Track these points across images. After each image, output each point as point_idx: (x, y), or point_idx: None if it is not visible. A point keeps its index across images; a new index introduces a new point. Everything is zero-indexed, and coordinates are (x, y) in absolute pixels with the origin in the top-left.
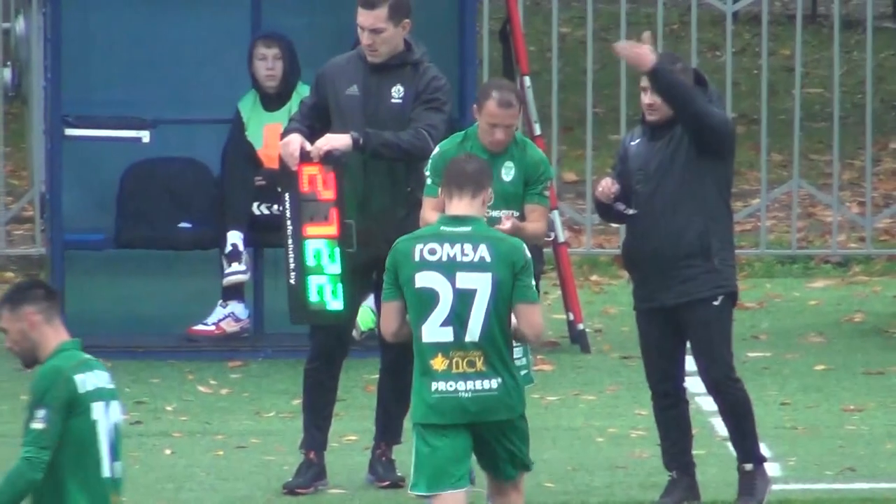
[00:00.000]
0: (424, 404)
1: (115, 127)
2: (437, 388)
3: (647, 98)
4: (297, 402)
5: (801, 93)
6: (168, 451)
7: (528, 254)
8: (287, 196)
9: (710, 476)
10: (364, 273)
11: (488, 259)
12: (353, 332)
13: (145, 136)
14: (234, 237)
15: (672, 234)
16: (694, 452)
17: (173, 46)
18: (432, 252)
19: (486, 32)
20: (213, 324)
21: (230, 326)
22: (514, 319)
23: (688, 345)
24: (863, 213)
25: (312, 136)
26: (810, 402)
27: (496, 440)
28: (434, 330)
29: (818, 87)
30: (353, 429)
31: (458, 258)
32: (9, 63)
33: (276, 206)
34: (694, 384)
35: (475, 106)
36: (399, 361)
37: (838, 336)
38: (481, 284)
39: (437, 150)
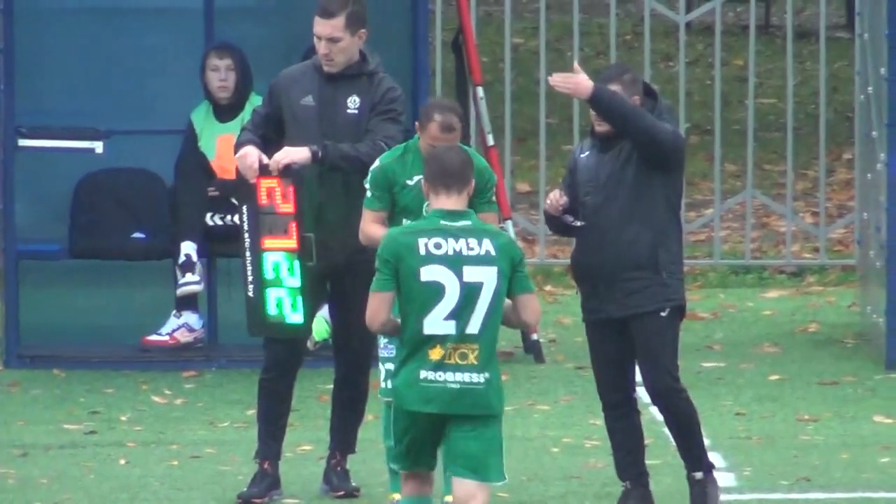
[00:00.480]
0: (409, 390)
1: (68, 137)
2: (425, 377)
3: None
4: (252, 412)
5: (754, 103)
6: (122, 461)
7: None
8: (244, 208)
9: (664, 486)
10: (319, 283)
11: (493, 252)
12: (308, 343)
13: (98, 146)
14: (188, 248)
15: (620, 246)
16: (648, 462)
17: (126, 57)
18: (438, 246)
19: (438, 43)
20: (167, 334)
21: (184, 337)
22: (508, 308)
23: None
24: (817, 224)
25: (266, 146)
26: (765, 412)
27: (465, 437)
28: (437, 323)
29: (772, 97)
30: (307, 438)
31: (465, 252)
32: None
33: (229, 217)
34: (646, 394)
35: (417, 124)
36: (353, 371)
37: (793, 346)
38: (487, 278)
39: (377, 163)
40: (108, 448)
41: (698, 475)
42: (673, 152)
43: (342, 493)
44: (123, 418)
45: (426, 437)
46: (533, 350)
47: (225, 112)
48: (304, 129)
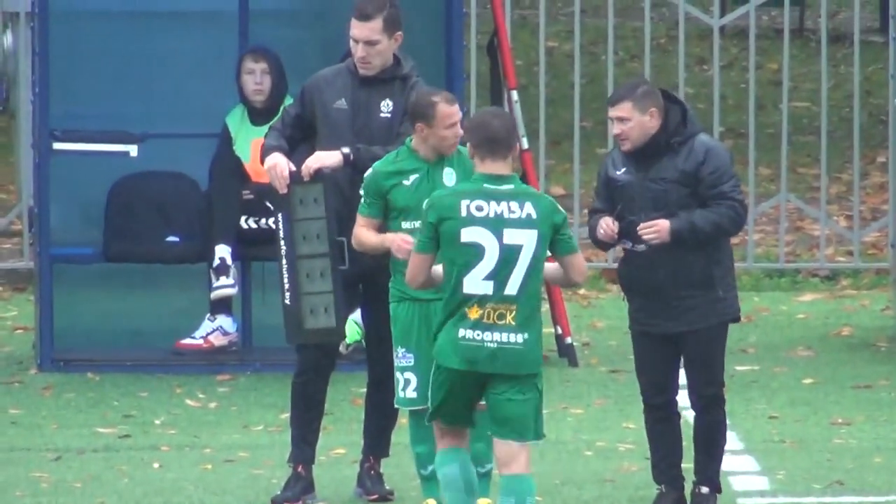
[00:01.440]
0: (449, 347)
1: (102, 141)
2: (464, 336)
3: (615, 129)
4: (286, 415)
5: (788, 107)
6: (156, 465)
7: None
8: (279, 216)
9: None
10: (351, 286)
11: (534, 216)
12: (340, 346)
13: (133, 150)
14: (222, 251)
15: (673, 267)
16: (683, 466)
17: (161, 60)
18: (479, 209)
19: (473, 46)
20: (202, 337)
21: (218, 340)
22: (556, 271)
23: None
24: (850, 227)
25: (292, 147)
26: (798, 415)
27: (505, 398)
28: (476, 283)
29: (806, 100)
30: (341, 442)
31: (506, 215)
32: None
33: (263, 221)
34: (682, 398)
35: (420, 124)
36: (387, 375)
37: (826, 350)
38: (527, 240)
39: (370, 170)
40: (142, 452)
41: (705, 489)
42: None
43: (376, 496)
44: (157, 422)
45: (463, 394)
46: (567, 353)
47: (260, 115)
48: (336, 133)
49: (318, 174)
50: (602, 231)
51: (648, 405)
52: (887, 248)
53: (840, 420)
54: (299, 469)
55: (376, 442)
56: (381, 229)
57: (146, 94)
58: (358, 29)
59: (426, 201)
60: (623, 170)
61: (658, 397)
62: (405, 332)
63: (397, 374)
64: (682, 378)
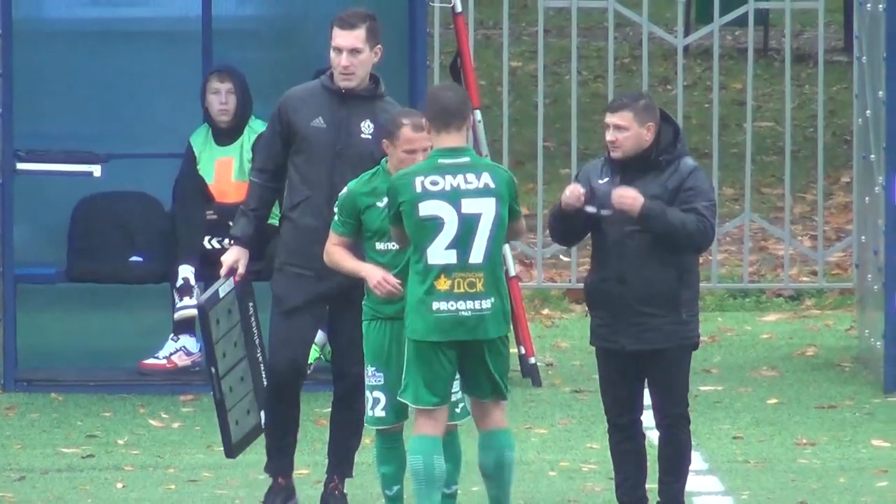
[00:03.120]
0: (424, 323)
1: (66, 161)
2: (438, 308)
3: (609, 135)
4: None
5: (752, 126)
6: (120, 485)
7: None
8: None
9: None
10: (319, 306)
11: (492, 185)
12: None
13: (97, 170)
14: (186, 271)
15: (642, 282)
16: (647, 487)
17: (125, 80)
18: (434, 183)
19: (436, 66)
20: (165, 357)
21: (182, 360)
22: None
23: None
24: (815, 247)
25: (279, 182)
26: (763, 435)
27: (480, 361)
28: (439, 253)
29: (770, 120)
30: (304, 462)
31: (463, 186)
32: None
33: (227, 241)
34: (647, 418)
35: (385, 141)
36: (352, 391)
37: (791, 370)
38: (486, 208)
39: (345, 189)
40: (106, 472)
41: None
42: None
43: None
44: (121, 442)
45: (441, 368)
46: (531, 373)
47: (224, 135)
48: (316, 154)
49: (230, 276)
50: (567, 194)
51: (613, 424)
52: (851, 269)
53: (804, 440)
54: (280, 480)
55: (341, 461)
56: (354, 248)
57: (110, 114)
58: (342, 38)
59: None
60: (606, 179)
61: (622, 417)
62: (377, 351)
63: (367, 393)
64: (648, 398)
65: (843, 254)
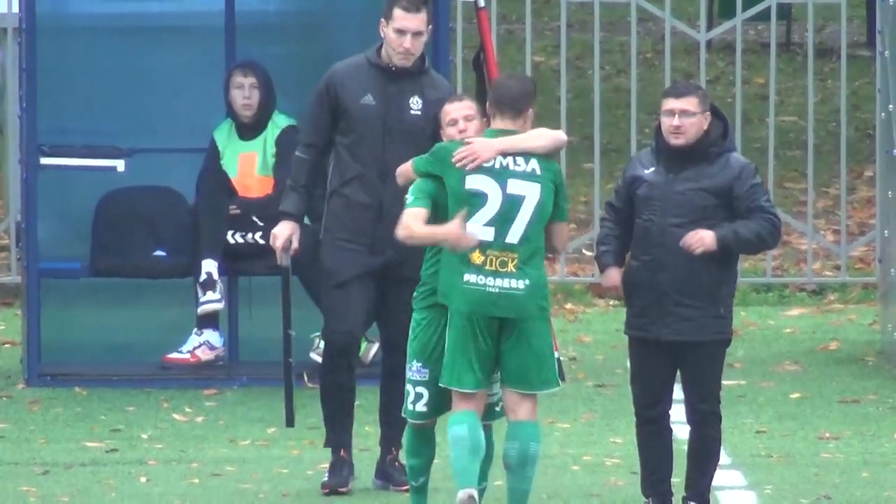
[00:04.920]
0: (454, 291)
1: (90, 156)
2: (468, 280)
3: (674, 121)
4: (273, 430)
5: (775, 121)
6: (143, 479)
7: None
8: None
9: None
10: (370, 279)
11: (538, 172)
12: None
13: (120, 165)
14: (209, 266)
15: (685, 273)
16: (672, 481)
17: (149, 75)
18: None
19: (459, 61)
20: (188, 352)
21: (205, 354)
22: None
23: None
24: (838, 242)
25: (326, 157)
26: (786, 430)
27: (513, 346)
28: (477, 228)
29: (792, 115)
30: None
31: (511, 167)
32: None
33: (250, 235)
34: (676, 412)
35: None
36: (402, 365)
37: (814, 364)
38: (531, 192)
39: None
40: (129, 466)
41: None
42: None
43: (405, 486)
44: (144, 436)
45: (476, 348)
46: None
47: (247, 130)
48: (367, 130)
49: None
50: (609, 284)
51: (641, 417)
52: (874, 263)
53: (827, 434)
54: (342, 453)
55: (397, 432)
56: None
57: (133, 109)
58: (408, 20)
59: (433, 149)
60: (652, 169)
61: (651, 409)
62: (423, 346)
63: (408, 387)
64: (678, 393)
65: (866, 248)
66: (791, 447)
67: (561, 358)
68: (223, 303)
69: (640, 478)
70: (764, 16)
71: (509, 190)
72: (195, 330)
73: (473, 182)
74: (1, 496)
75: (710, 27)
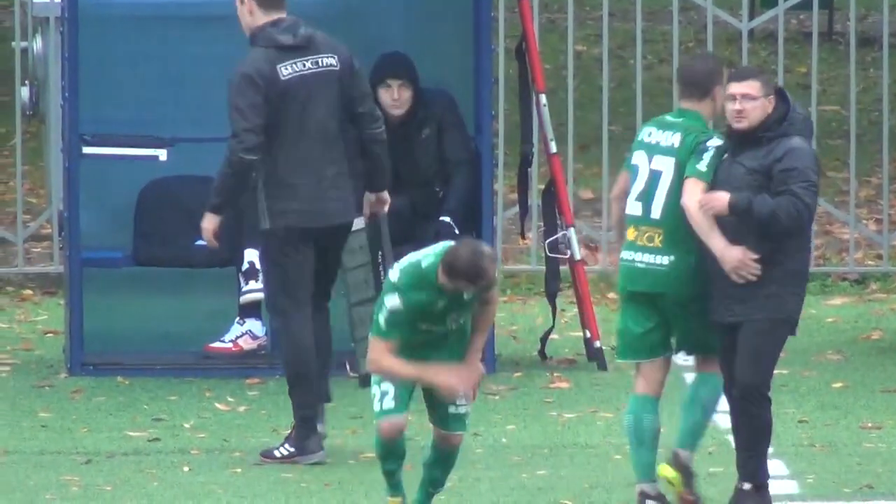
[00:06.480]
0: (620, 269)
1: (132, 145)
2: (623, 257)
3: (736, 105)
4: None
5: (817, 110)
6: (186, 468)
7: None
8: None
9: (726, 490)
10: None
11: (676, 145)
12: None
13: (162, 154)
14: (251, 255)
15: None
16: (711, 470)
17: (190, 64)
18: (649, 135)
19: (501, 50)
20: (231, 341)
21: (247, 344)
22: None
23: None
24: (880, 231)
25: None
26: (828, 419)
27: (675, 318)
28: (631, 203)
29: (834, 104)
30: (371, 446)
31: (661, 143)
32: (27, 82)
33: None
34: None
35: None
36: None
37: (856, 354)
38: (666, 167)
39: (398, 302)
40: (172, 455)
41: (747, 486)
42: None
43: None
44: (187, 425)
45: (636, 322)
46: (596, 357)
47: None
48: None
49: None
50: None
51: (727, 394)
52: None
53: (870, 424)
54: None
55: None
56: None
57: (175, 98)
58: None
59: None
60: (726, 154)
61: (728, 389)
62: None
63: (374, 389)
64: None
65: None
66: (833, 437)
67: (603, 347)
68: (263, 293)
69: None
70: (806, 5)
71: (652, 165)
72: (237, 319)
73: (635, 157)
74: (43, 485)
75: (752, 16)
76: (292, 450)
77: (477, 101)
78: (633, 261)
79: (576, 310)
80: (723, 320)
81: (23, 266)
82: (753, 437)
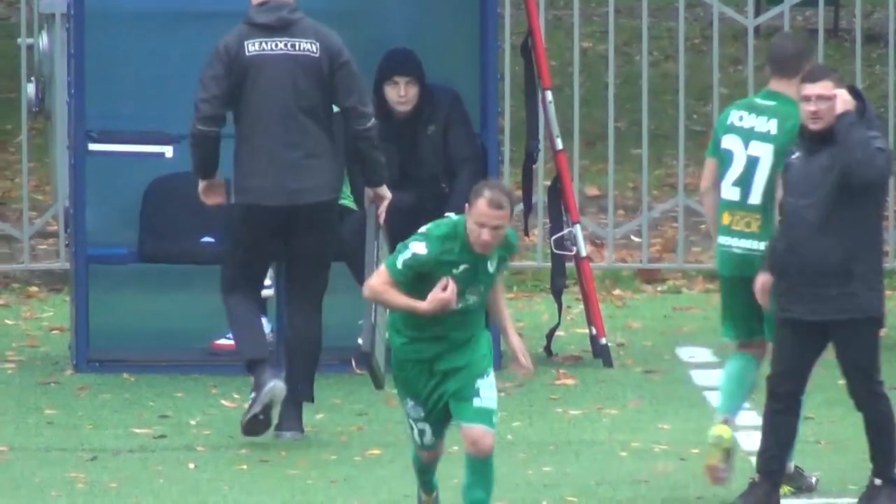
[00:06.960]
0: (717, 254)
1: (138, 142)
2: (720, 242)
3: (811, 106)
4: (321, 416)
5: None
6: (192, 465)
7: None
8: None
9: (733, 489)
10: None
11: (773, 132)
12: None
13: (168, 151)
14: None
15: (818, 252)
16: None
17: (196, 61)
18: (741, 118)
19: (507, 47)
20: None
21: None
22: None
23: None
24: (886, 228)
25: None
26: (834, 416)
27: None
28: (727, 188)
29: None
30: (376, 443)
31: (757, 128)
32: (32, 79)
33: None
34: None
35: (467, 204)
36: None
37: None
38: (764, 153)
39: (424, 249)
40: (178, 452)
41: (878, 481)
42: (878, 179)
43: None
44: (193, 422)
45: (737, 305)
46: (602, 354)
47: None
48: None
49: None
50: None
51: (771, 392)
52: None
53: None
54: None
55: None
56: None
57: (181, 95)
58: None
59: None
60: (797, 154)
61: (781, 386)
62: (413, 387)
63: (410, 424)
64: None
65: None
66: (839, 433)
67: (609, 344)
68: (272, 289)
69: (758, 452)
70: (812, 1)
71: (749, 151)
72: None
73: (727, 141)
74: (49, 482)
75: (758, 13)
76: (252, 394)
77: (483, 97)
78: (731, 246)
79: (581, 307)
80: (801, 318)
81: (29, 263)
82: (882, 433)
